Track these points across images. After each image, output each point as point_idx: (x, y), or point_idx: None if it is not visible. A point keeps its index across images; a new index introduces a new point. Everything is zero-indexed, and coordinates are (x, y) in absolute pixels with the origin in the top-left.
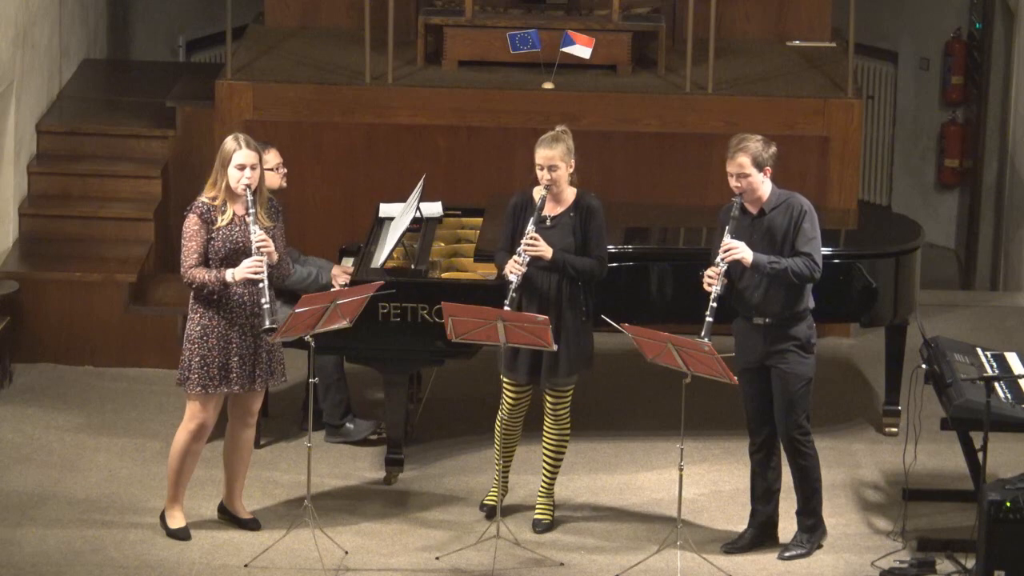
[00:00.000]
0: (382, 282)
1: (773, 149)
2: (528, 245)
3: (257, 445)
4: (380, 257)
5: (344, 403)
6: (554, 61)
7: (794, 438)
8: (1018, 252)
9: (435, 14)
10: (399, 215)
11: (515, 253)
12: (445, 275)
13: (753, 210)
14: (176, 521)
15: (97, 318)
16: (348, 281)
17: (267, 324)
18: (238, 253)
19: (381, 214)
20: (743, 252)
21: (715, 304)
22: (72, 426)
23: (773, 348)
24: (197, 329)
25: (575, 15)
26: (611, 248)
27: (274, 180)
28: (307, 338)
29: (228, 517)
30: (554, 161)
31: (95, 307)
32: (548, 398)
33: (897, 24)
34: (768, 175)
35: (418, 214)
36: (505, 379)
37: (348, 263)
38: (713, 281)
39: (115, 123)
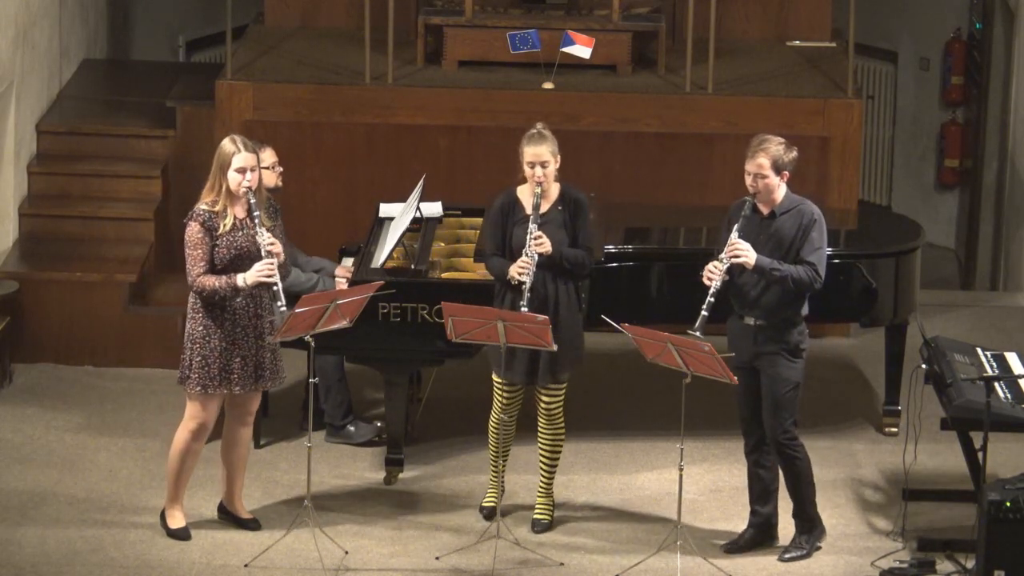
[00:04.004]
0: (382, 282)
1: (794, 154)
2: (536, 243)
3: (257, 445)
4: (380, 257)
5: (345, 404)
6: (554, 61)
7: (781, 442)
8: (1018, 252)
9: (435, 14)
10: (399, 215)
11: (523, 254)
12: (445, 275)
13: (764, 211)
14: (176, 521)
15: (97, 318)
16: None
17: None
18: (243, 257)
19: (381, 214)
20: (748, 256)
21: (712, 300)
22: (72, 426)
23: (762, 350)
24: (200, 329)
25: (575, 15)
26: (611, 248)
27: (270, 179)
28: (307, 338)
29: (228, 517)
30: (545, 157)
31: (95, 307)
32: (543, 398)
33: (897, 24)
34: (785, 179)
35: (418, 214)
36: (498, 380)
37: (348, 263)
38: (714, 276)
39: (115, 123)
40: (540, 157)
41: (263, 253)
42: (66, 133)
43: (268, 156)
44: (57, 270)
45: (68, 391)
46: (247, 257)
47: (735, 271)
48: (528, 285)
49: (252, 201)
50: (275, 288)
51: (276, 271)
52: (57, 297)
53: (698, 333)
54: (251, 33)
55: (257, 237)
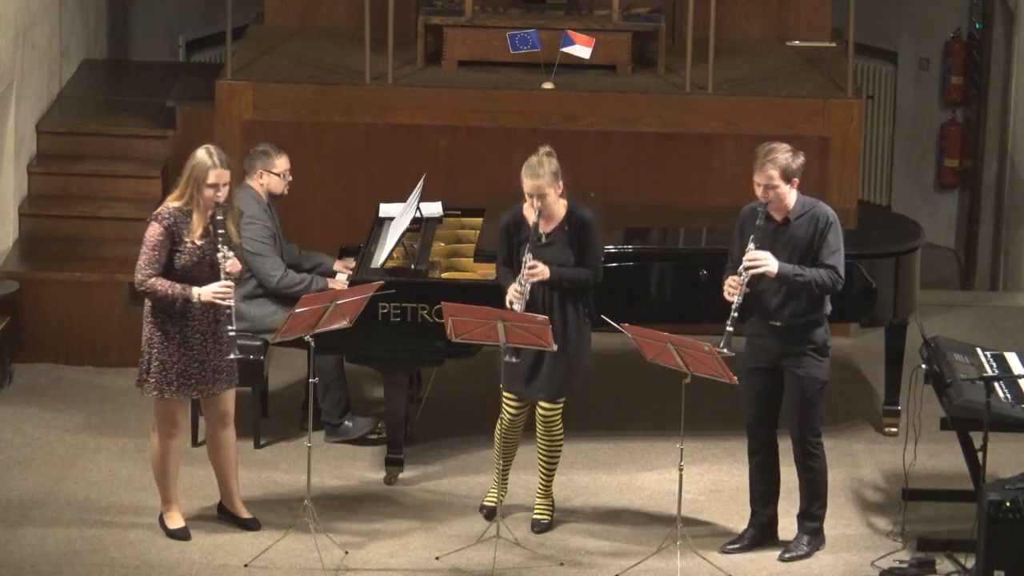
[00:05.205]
0: (382, 282)
1: (801, 159)
2: (529, 273)
3: (257, 445)
4: (380, 257)
5: (343, 402)
6: (554, 61)
7: (807, 440)
8: (1018, 252)
9: (435, 14)
10: (399, 215)
11: (516, 281)
12: (445, 275)
13: (778, 217)
14: (175, 522)
15: (97, 318)
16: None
17: (232, 356)
18: (202, 265)
19: (381, 214)
20: (770, 266)
21: (735, 314)
22: (72, 426)
23: (789, 351)
24: (158, 334)
25: (575, 15)
26: (611, 248)
27: (278, 185)
28: (307, 338)
29: (228, 517)
30: (542, 190)
31: (95, 307)
32: (542, 409)
33: (897, 24)
34: (795, 185)
35: (418, 214)
36: (506, 394)
37: (349, 263)
38: (735, 291)
39: (115, 123)
40: (537, 190)
41: (222, 275)
42: (66, 133)
43: (283, 163)
44: (57, 270)
45: (68, 391)
46: (207, 265)
47: (755, 281)
48: (520, 311)
49: (219, 218)
50: (228, 311)
51: (232, 295)
52: (57, 297)
53: (726, 351)
54: (251, 33)
55: (218, 255)
